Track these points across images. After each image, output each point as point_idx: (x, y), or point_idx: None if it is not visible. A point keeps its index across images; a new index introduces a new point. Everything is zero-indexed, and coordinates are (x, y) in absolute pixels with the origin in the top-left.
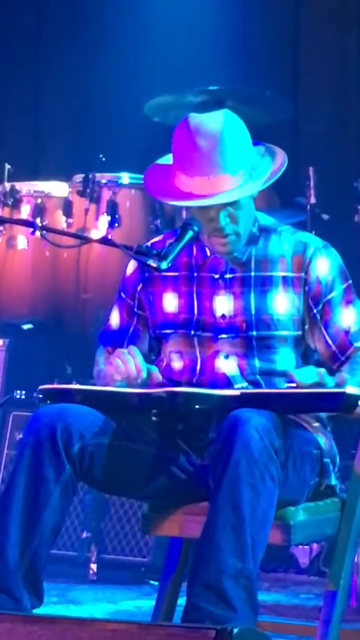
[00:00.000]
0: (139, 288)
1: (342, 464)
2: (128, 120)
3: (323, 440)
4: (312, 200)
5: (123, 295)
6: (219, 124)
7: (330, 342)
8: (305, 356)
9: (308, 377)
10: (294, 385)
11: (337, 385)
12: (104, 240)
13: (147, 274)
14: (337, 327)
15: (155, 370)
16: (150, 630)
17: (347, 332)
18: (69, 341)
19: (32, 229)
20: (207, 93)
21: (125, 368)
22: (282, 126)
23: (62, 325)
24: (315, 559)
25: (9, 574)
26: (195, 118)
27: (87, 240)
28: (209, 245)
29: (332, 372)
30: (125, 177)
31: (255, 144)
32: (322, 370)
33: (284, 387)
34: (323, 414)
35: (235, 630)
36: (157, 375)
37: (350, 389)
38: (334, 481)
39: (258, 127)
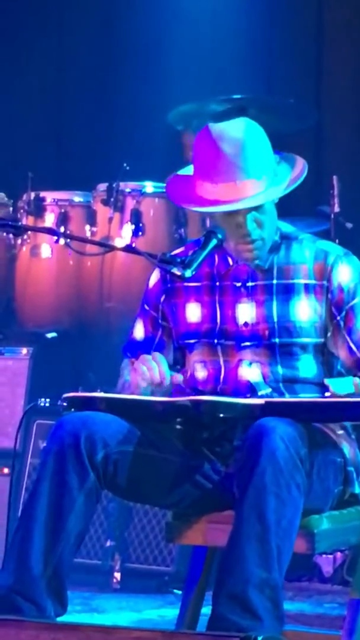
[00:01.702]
0: (162, 299)
1: None
2: (152, 129)
3: (347, 448)
4: (336, 208)
5: (147, 307)
6: (241, 130)
7: (354, 348)
8: (329, 364)
9: (344, 388)
10: (329, 395)
11: None
12: (128, 248)
13: (169, 285)
14: None
15: (175, 374)
16: (174, 638)
17: None
18: (92, 350)
19: (56, 238)
20: (231, 101)
21: (150, 374)
22: (305, 134)
23: (86, 334)
24: (339, 568)
25: (33, 582)
26: (217, 126)
27: (111, 248)
28: (234, 252)
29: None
30: (149, 186)
31: (274, 153)
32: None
33: (309, 396)
34: (347, 423)
35: (259, 639)
36: (177, 377)
37: None
38: (358, 490)
39: (281, 136)
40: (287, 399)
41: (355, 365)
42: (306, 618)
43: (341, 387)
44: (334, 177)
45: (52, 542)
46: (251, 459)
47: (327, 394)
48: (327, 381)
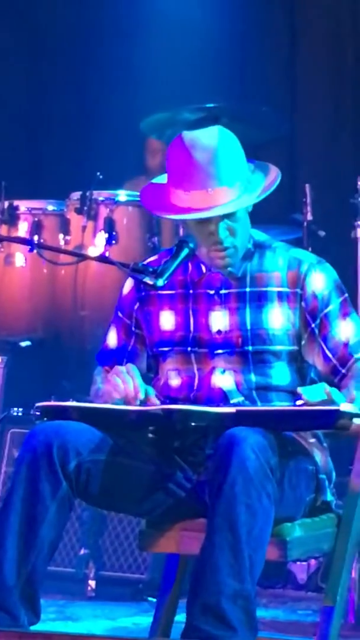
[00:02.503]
0: (135, 307)
1: (339, 480)
2: (125, 137)
3: (319, 456)
4: (309, 217)
5: (120, 315)
6: (214, 138)
7: (330, 355)
8: (302, 371)
9: (316, 395)
10: (302, 402)
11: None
12: (101, 258)
13: (143, 293)
14: (336, 340)
15: (152, 394)
16: None
17: (346, 345)
18: (66, 358)
19: (29, 247)
20: (204, 110)
21: (124, 387)
22: (278, 143)
23: (59, 343)
24: (314, 575)
25: (5, 591)
26: (190, 134)
27: (84, 258)
28: (206, 260)
29: (332, 386)
30: (122, 195)
31: (247, 161)
32: (332, 389)
33: (283, 404)
34: (319, 431)
35: None
36: (155, 400)
37: (344, 407)
38: (329, 497)
39: (254, 144)
40: (258, 407)
41: (332, 372)
42: (280, 625)
43: (313, 395)
44: (307, 186)
45: (25, 551)
46: (222, 469)
47: (298, 402)
48: (300, 389)
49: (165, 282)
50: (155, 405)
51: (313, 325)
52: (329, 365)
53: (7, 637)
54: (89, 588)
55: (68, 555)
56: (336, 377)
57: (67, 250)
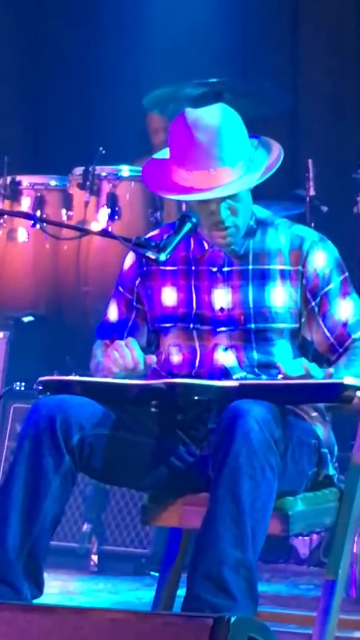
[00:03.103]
0: (137, 282)
1: (341, 455)
2: (127, 112)
3: (321, 430)
4: (312, 192)
5: (121, 289)
6: (216, 117)
7: (328, 334)
8: (303, 348)
9: (294, 370)
10: (282, 377)
11: (325, 379)
12: (103, 233)
13: (145, 268)
14: (335, 320)
15: (148, 356)
16: (149, 619)
17: (345, 324)
18: (69, 333)
19: (32, 222)
20: (206, 86)
21: (122, 361)
22: (281, 118)
23: (62, 318)
24: (315, 550)
25: (9, 564)
26: (192, 113)
27: (86, 232)
28: (208, 238)
29: (330, 364)
30: (125, 170)
31: (250, 137)
32: (309, 363)
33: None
34: (321, 404)
35: (232, 619)
36: (152, 358)
37: (348, 380)
38: (332, 471)
39: (257, 120)
40: (261, 380)
41: (330, 351)
42: (282, 599)
43: (292, 369)
44: (309, 161)
45: (28, 525)
46: (226, 442)
47: (279, 376)
48: (279, 363)
49: (168, 256)
50: (153, 364)
51: (313, 303)
52: (327, 343)
53: (11, 610)
54: (92, 563)
55: (71, 530)
56: (333, 355)
57: (70, 225)
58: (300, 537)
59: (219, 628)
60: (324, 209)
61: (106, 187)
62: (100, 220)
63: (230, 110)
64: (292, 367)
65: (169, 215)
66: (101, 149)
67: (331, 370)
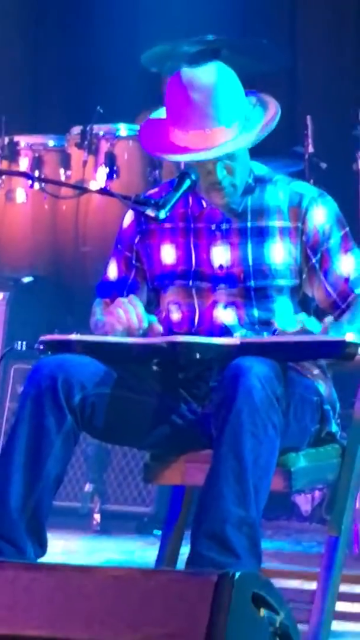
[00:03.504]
0: (136, 240)
1: (343, 412)
2: (125, 71)
3: (323, 387)
4: (310, 149)
5: (120, 248)
6: (211, 76)
7: (330, 290)
8: (304, 304)
9: (289, 325)
10: (278, 332)
11: (321, 333)
12: (102, 191)
13: (144, 226)
14: (337, 275)
15: (155, 321)
16: (153, 576)
17: (347, 280)
18: (69, 294)
19: (30, 182)
20: (204, 43)
21: (126, 318)
22: (279, 75)
23: (62, 278)
24: (318, 507)
25: (12, 524)
26: (188, 72)
27: (85, 191)
28: (206, 197)
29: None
30: (123, 129)
31: (247, 94)
32: (306, 317)
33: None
34: (323, 361)
35: (237, 575)
36: (158, 327)
37: (350, 337)
38: (334, 428)
39: (255, 77)
40: (263, 338)
41: (332, 307)
42: (285, 556)
43: (287, 325)
44: (308, 118)
45: (30, 484)
46: (228, 399)
47: (277, 332)
48: (273, 319)
49: (168, 213)
50: (159, 333)
51: (314, 260)
52: (329, 300)
53: (14, 569)
54: (94, 522)
55: (73, 490)
56: (335, 311)
57: (68, 184)
58: (302, 495)
59: (223, 584)
60: (323, 165)
61: (104, 146)
62: (98, 179)
63: (226, 69)
64: (287, 322)
65: (168, 173)
66: (99, 107)
67: (327, 322)
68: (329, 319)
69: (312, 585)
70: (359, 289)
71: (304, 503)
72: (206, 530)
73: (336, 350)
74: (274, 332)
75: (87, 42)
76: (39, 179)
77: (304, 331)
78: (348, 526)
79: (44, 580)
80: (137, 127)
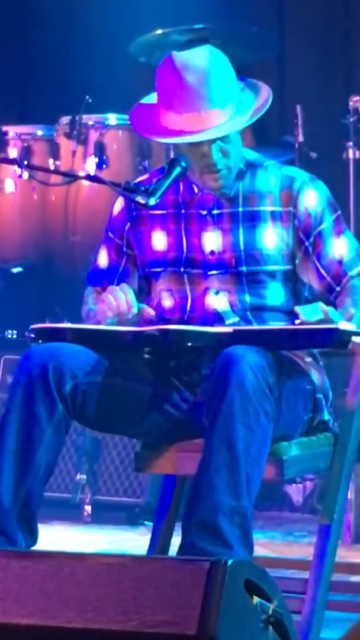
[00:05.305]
0: (127, 227)
1: (334, 402)
2: (114, 60)
3: (316, 375)
4: (300, 138)
5: (111, 235)
6: (204, 59)
7: (324, 273)
8: (296, 291)
9: (313, 314)
10: (300, 322)
11: (347, 321)
12: (91, 177)
13: (134, 213)
14: (330, 258)
15: (146, 307)
16: (146, 563)
17: (340, 262)
18: (58, 283)
19: (19, 172)
20: (192, 32)
21: (116, 304)
22: (269, 64)
23: (51, 268)
24: (309, 498)
25: (3, 513)
26: (180, 55)
27: (74, 178)
28: (199, 182)
29: (328, 304)
30: (112, 118)
31: (238, 79)
32: (328, 307)
33: (277, 324)
34: (315, 350)
35: (229, 562)
36: (149, 311)
37: (342, 325)
38: (327, 417)
39: (244, 65)
40: (255, 326)
41: (326, 290)
42: (276, 546)
43: (310, 314)
44: (298, 107)
45: (21, 474)
46: (220, 388)
47: (297, 321)
48: (297, 308)
49: (158, 200)
50: (150, 317)
51: (307, 243)
52: (324, 283)
53: (4, 557)
54: (85, 513)
55: (64, 481)
56: (331, 294)
57: (57, 171)
58: (294, 485)
59: (216, 571)
60: (313, 155)
61: (93, 136)
62: (88, 169)
63: (218, 52)
64: (310, 311)
65: (158, 162)
66: (88, 97)
67: (352, 310)
68: (352, 310)
69: (305, 575)
70: (353, 270)
71: (296, 493)
72: (198, 520)
73: (329, 338)
74: (294, 320)
75: (75, 32)
76: (28, 166)
77: (328, 320)
78: (340, 514)
79: (36, 568)
80: (126, 116)
